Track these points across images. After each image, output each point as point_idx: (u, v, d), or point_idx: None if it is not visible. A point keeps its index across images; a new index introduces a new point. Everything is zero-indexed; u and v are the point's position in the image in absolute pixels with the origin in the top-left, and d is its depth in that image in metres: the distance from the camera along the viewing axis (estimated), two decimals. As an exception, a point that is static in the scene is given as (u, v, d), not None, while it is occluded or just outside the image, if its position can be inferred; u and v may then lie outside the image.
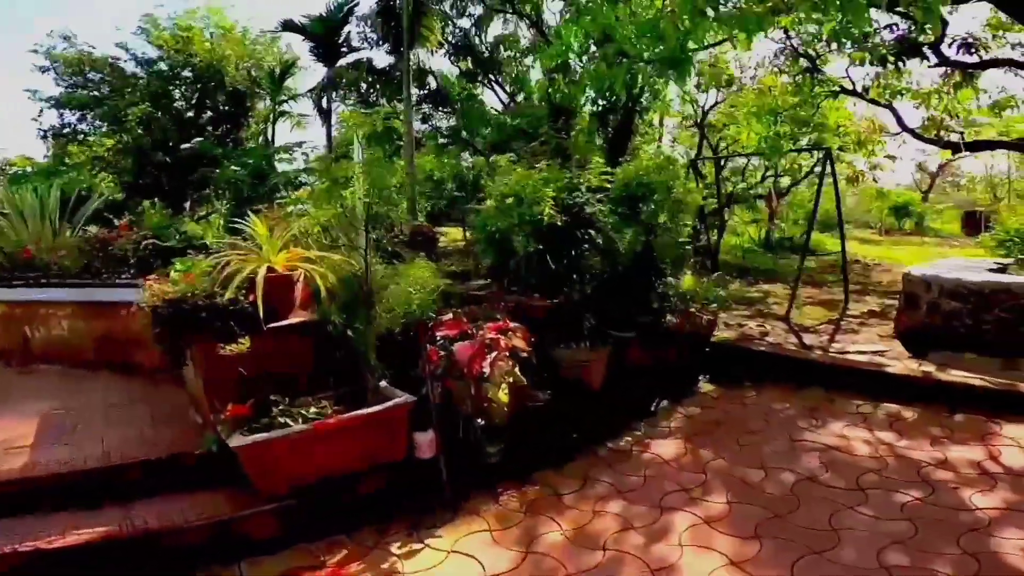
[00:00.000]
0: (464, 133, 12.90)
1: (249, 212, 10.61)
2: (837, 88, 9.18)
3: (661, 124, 14.90)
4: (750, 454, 4.41)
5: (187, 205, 19.10)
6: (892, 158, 12.30)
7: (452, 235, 13.78)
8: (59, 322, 5.29)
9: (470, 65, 15.20)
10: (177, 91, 17.15)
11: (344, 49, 14.61)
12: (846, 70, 9.39)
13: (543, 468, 4.27)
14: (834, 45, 8.09)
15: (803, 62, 9.07)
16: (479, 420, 4.03)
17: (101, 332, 5.20)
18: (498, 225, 4.93)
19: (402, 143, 14.49)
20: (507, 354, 4.06)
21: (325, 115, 13.47)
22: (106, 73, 16.84)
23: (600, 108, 12.58)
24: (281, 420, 3.48)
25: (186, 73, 17.03)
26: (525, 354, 4.22)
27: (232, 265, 3.80)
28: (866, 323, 7.76)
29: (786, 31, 8.85)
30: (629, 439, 4.76)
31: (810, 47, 9.07)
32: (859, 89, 9.29)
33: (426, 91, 14.92)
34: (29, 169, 17.06)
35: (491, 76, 15.56)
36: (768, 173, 13.52)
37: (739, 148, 11.60)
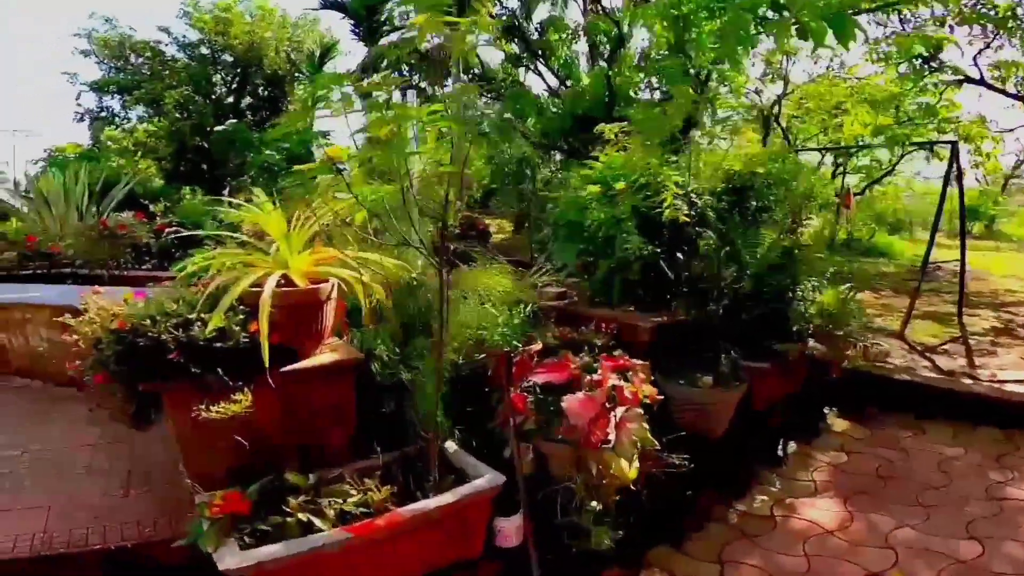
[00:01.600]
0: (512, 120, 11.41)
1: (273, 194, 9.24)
2: (960, 77, 7.46)
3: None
4: (946, 519, 3.07)
5: (225, 192, 17.98)
6: (989, 155, 10.51)
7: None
8: (38, 330, 3.98)
9: (515, 48, 13.62)
10: (217, 75, 15.87)
11: (386, 28, 13.21)
12: (973, 58, 7.67)
13: (658, 545, 2.96)
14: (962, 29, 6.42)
15: (918, 48, 7.35)
16: (593, 503, 2.61)
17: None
18: (598, 218, 3.46)
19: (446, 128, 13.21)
20: (638, 410, 2.63)
21: (366, 97, 12.12)
22: (147, 57, 15.64)
23: (661, 96, 10.97)
24: (303, 517, 2.08)
25: (226, 57, 15.75)
26: (652, 403, 2.78)
27: (223, 274, 2.39)
28: (997, 342, 6.26)
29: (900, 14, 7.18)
30: (764, 498, 3.42)
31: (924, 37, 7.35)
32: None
33: (470, 75, 13.41)
34: (73, 155, 16.05)
35: (539, 61, 13.97)
36: (839, 170, 11.79)
37: (834, 141, 9.98)
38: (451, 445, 2.70)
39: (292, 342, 2.37)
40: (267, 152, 11.42)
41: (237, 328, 2.25)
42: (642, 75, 10.79)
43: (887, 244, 12.04)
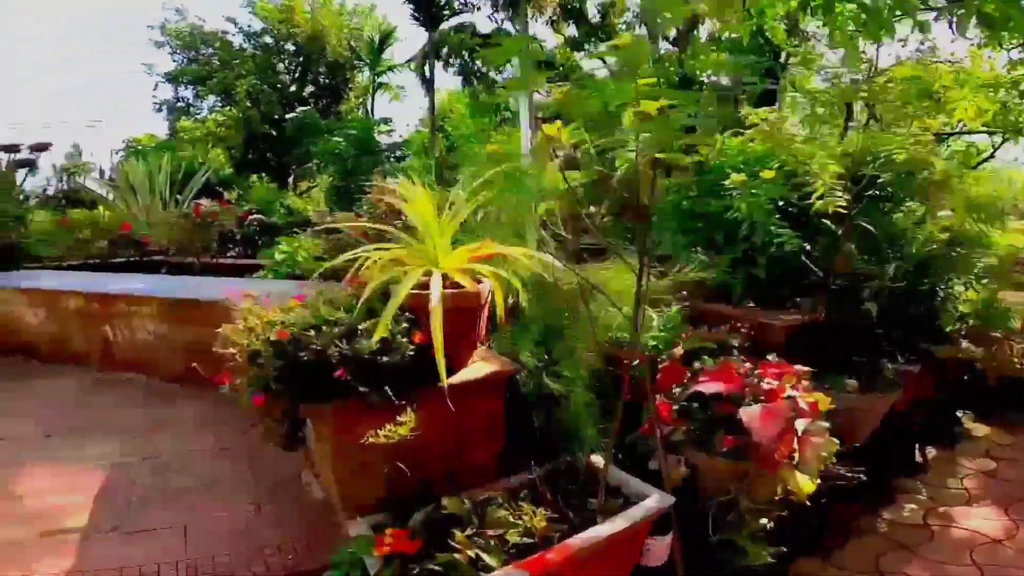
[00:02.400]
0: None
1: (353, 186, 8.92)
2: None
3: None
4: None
5: (290, 180, 18.00)
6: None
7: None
8: (143, 323, 3.80)
9: (575, 32, 13.02)
10: (281, 64, 15.77)
11: (446, 12, 12.79)
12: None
13: (804, 556, 2.62)
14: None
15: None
16: (763, 520, 2.24)
17: (191, 339, 3.66)
18: (740, 208, 3.00)
19: (508, 115, 12.66)
20: (822, 423, 2.24)
21: (428, 83, 11.73)
22: (216, 47, 15.64)
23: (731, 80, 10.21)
24: (471, 554, 1.77)
25: (289, 46, 15.61)
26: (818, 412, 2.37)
27: (382, 272, 2.03)
28: None
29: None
30: (913, 507, 3.05)
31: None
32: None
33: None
34: (152, 146, 16.29)
35: (597, 44, 13.34)
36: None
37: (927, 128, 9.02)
38: (599, 459, 2.36)
39: (449, 351, 2.04)
40: (334, 140, 11.21)
41: (402, 338, 1.91)
42: (715, 55, 10.07)
43: (978, 233, 11.01)
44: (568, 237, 3.07)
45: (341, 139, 11.73)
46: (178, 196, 11.08)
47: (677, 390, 2.58)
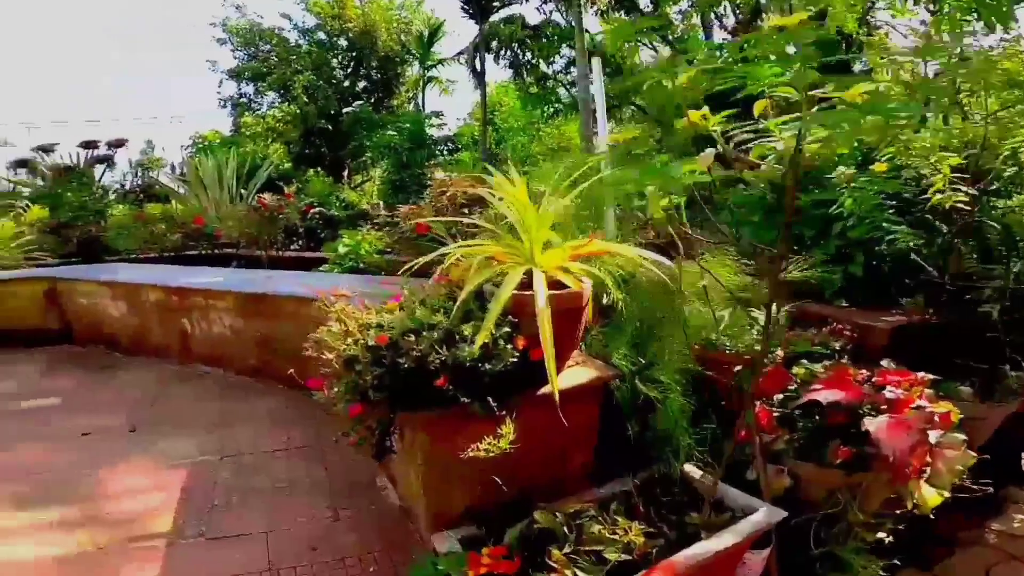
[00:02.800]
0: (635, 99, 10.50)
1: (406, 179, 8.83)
2: None
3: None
4: None
5: (345, 173, 18.19)
6: None
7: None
8: (219, 317, 3.78)
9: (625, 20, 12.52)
10: (335, 60, 15.85)
11: (496, 4, 12.51)
12: None
13: (906, 567, 2.32)
14: None
15: None
16: (879, 534, 2.00)
17: (263, 333, 3.62)
18: (849, 203, 2.67)
19: (560, 107, 12.37)
20: (957, 435, 1.97)
21: (479, 76, 11.53)
22: (273, 44, 15.84)
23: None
24: (569, 574, 1.60)
25: (341, 41, 15.66)
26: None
27: (478, 272, 1.85)
28: None
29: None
30: (1022, 517, 2.74)
31: None
32: None
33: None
34: (217, 142, 16.74)
35: (653, 35, 12.82)
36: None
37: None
38: (693, 470, 2.15)
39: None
40: (389, 133, 11.19)
41: (505, 344, 1.74)
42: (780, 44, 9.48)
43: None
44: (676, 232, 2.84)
45: (395, 133, 11.72)
46: (243, 190, 11.34)
47: (779, 396, 2.35)
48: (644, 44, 13.66)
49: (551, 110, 12.65)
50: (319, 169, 16.51)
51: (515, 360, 1.72)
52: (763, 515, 1.88)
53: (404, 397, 1.67)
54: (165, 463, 2.84)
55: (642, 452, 2.20)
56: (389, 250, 5.46)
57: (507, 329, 1.77)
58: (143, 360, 4.37)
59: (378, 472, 2.66)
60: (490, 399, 1.66)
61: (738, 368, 2.30)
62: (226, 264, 6.72)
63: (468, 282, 1.76)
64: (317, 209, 7.89)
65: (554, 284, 1.86)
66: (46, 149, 10.96)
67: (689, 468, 2.20)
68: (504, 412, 1.68)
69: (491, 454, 1.67)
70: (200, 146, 17.14)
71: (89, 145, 12.06)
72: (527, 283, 1.87)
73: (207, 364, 3.95)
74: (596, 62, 3.07)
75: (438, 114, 13.33)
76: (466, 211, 4.91)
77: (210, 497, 2.53)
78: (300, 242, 7.50)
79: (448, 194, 4.97)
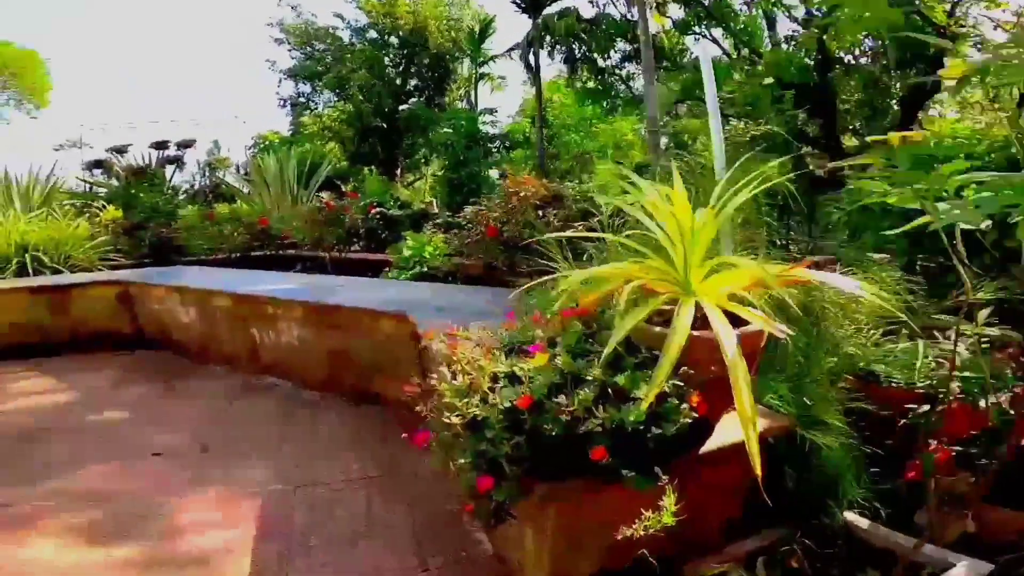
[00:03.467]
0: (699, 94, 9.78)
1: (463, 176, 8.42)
2: None
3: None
4: None
5: (398, 172, 18.04)
6: None
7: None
8: (288, 327, 3.49)
9: (684, 14, 11.77)
10: (387, 57, 15.63)
11: (549, -2, 11.98)
12: None
13: None
14: None
15: None
16: None
17: (334, 346, 3.30)
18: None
19: (620, 100, 11.78)
20: None
21: (534, 72, 11.04)
22: (328, 43, 15.75)
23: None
24: None
25: (393, 39, 15.42)
26: None
27: (634, 303, 1.39)
28: None
29: None
30: None
31: None
32: None
33: (636, 45, 11.83)
34: (276, 141, 16.84)
35: (710, 27, 12.03)
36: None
37: None
38: (857, 518, 1.69)
39: (710, 408, 1.41)
40: (444, 131, 10.86)
41: (678, 402, 1.31)
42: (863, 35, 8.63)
43: None
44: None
45: (450, 130, 11.39)
46: (303, 189, 11.24)
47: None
48: (705, 36, 12.86)
49: (608, 105, 12.05)
50: (372, 168, 16.41)
51: (690, 421, 1.29)
52: (964, 569, 1.42)
53: (545, 467, 1.26)
54: (238, 491, 2.55)
55: (795, 498, 1.75)
56: (455, 253, 5.09)
57: (678, 382, 1.33)
58: (212, 368, 4.16)
59: (465, 515, 2.28)
60: (656, 468, 1.24)
61: (911, 404, 1.81)
62: (291, 266, 6.52)
63: (620, 318, 1.33)
64: (378, 209, 7.61)
65: (737, 321, 1.42)
66: (120, 150, 11.13)
67: (852, 516, 1.74)
68: (667, 480, 1.25)
69: (650, 531, 1.25)
70: (262, 146, 17.30)
71: (160, 146, 12.22)
72: (676, 314, 1.42)
73: (275, 375, 3.68)
74: (703, 48, 2.59)
75: (492, 111, 12.95)
76: (540, 213, 4.49)
77: (287, 537, 2.21)
78: (361, 243, 7.23)
79: (521, 195, 4.55)
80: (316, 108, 16.53)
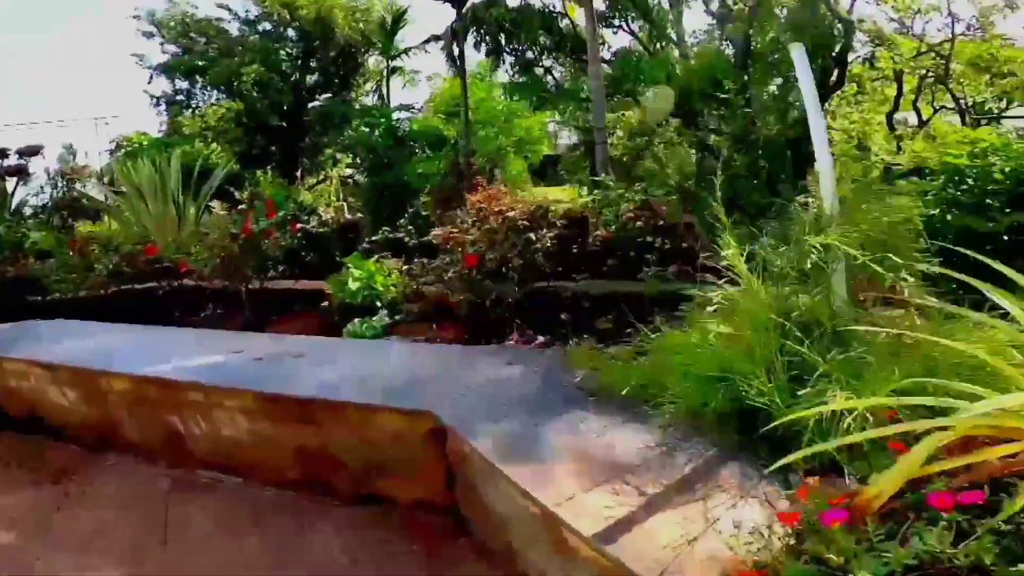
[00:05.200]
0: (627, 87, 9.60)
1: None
2: None
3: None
4: None
5: (298, 174, 16.53)
6: None
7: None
8: (230, 418, 2.60)
9: (604, 6, 11.64)
10: (283, 51, 14.13)
11: (478, -14, 11.27)
12: None
13: None
14: None
15: None
16: None
17: (308, 444, 2.48)
18: None
19: (547, 95, 11.34)
20: None
21: (458, 64, 10.29)
22: (211, 35, 13.97)
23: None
24: None
25: (290, 32, 13.98)
26: None
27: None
28: None
29: None
30: None
31: None
32: None
33: (557, 38, 11.47)
34: (146, 144, 14.68)
35: (630, 20, 12.02)
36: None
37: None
38: None
39: None
40: (363, 129, 9.83)
41: None
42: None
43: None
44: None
45: (368, 129, 10.39)
46: (192, 199, 9.72)
47: None
48: (623, 28, 12.85)
49: (536, 100, 11.60)
50: (268, 170, 14.82)
51: None
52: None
53: None
54: None
55: None
56: (418, 288, 4.31)
57: None
58: (117, 460, 3.09)
59: None
60: None
61: None
62: (194, 305, 5.39)
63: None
64: (300, 226, 6.59)
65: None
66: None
67: None
68: None
69: None
70: (127, 150, 15.03)
71: (-4, 155, 10.08)
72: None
73: (217, 470, 2.76)
74: (799, 53, 2.14)
75: (409, 107, 12.03)
76: (532, 236, 3.87)
77: None
78: (280, 267, 6.16)
79: (500, 213, 3.90)
80: (197, 106, 14.61)
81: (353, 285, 4.56)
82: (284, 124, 13.21)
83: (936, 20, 9.49)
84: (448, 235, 3.99)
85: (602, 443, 1.77)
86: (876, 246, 1.84)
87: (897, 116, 11.72)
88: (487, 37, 10.41)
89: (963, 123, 8.73)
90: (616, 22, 12.60)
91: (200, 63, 13.50)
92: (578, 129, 16.72)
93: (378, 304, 4.51)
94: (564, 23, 11.72)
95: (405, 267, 4.43)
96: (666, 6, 12.15)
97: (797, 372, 1.66)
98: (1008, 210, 2.92)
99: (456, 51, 10.22)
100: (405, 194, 8.76)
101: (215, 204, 12.76)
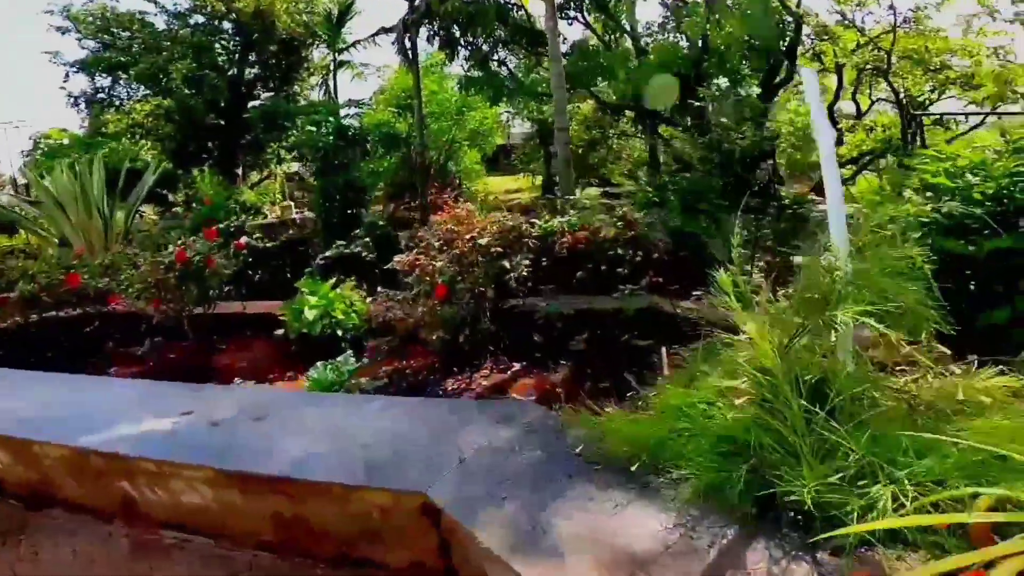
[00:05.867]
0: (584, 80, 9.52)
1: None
2: None
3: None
4: None
5: (239, 171, 15.75)
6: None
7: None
8: (190, 487, 2.34)
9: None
10: (218, 45, 13.35)
11: (430, -22, 10.91)
12: None
13: None
14: None
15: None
16: None
17: (283, 512, 2.25)
18: None
19: (503, 90, 11.11)
20: None
21: (411, 58, 9.91)
22: (134, 30, 13.05)
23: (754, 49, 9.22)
24: None
25: (226, 24, 13.21)
26: None
27: None
28: None
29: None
30: None
31: None
32: None
33: (512, 30, 11.30)
34: (65, 142, 13.58)
35: (582, 10, 11.96)
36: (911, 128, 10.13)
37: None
38: None
39: None
40: (308, 127, 9.32)
41: None
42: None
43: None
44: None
45: (314, 128, 9.90)
46: (121, 202, 9.07)
47: None
48: (578, 19, 12.79)
49: (492, 95, 11.40)
50: (204, 169, 14.01)
51: None
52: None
53: None
54: None
55: None
56: (386, 321, 4.06)
57: None
58: (62, 518, 2.75)
59: None
60: None
61: None
62: (132, 335, 4.97)
63: None
64: (245, 240, 6.18)
65: None
66: None
67: None
68: None
69: None
70: (44, 149, 13.90)
71: None
72: None
73: (179, 531, 2.48)
74: (809, 75, 2.07)
75: (358, 103, 11.56)
76: (507, 264, 3.70)
77: None
78: (229, 288, 5.76)
79: (470, 239, 3.71)
80: (121, 104, 13.62)
81: (310, 314, 4.28)
82: (222, 122, 12.50)
83: (876, 12, 9.83)
84: (414, 262, 3.78)
85: (615, 526, 1.65)
86: (885, 299, 1.79)
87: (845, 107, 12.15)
88: (441, 31, 10.11)
89: (901, 115, 9.11)
90: (572, 13, 12.54)
91: (123, 59, 12.59)
92: (533, 121, 16.63)
93: (339, 333, 4.26)
94: (520, 14, 11.56)
95: (369, 299, 4.17)
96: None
97: (821, 447, 1.58)
98: (987, 232, 2.94)
99: (408, 45, 9.87)
100: (359, 197, 8.38)
101: (146, 209, 11.97)
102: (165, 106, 13.09)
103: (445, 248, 3.77)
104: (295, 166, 12.13)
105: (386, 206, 13.12)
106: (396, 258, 3.85)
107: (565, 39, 12.83)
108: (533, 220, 4.53)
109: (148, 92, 13.23)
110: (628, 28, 12.26)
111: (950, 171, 3.24)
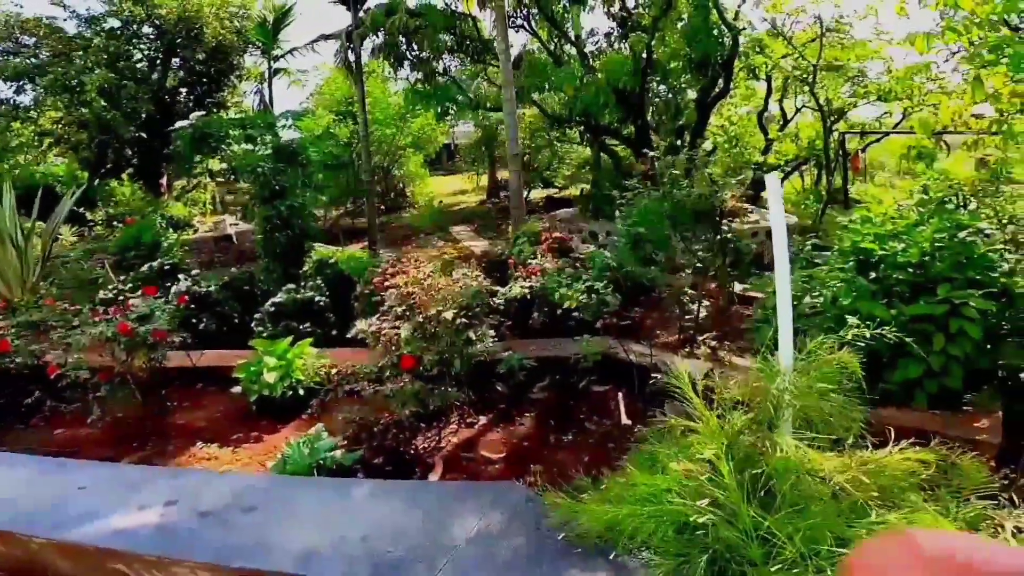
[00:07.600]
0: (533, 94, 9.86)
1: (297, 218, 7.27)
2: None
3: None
4: None
5: (163, 182, 15.23)
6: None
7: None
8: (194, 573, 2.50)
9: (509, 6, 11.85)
10: (138, 52, 12.88)
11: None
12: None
13: None
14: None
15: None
16: None
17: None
18: None
19: (456, 103, 11.22)
20: None
21: (354, 70, 9.90)
22: (41, 36, 12.42)
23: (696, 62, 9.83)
24: None
25: (146, 29, 12.76)
26: None
27: None
28: None
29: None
30: None
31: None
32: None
33: (459, 39, 11.51)
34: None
35: (529, 19, 12.34)
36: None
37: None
38: None
39: None
40: (243, 146, 9.15)
41: None
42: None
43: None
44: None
45: (250, 145, 9.76)
46: (36, 222, 8.69)
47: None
48: (524, 28, 13.13)
49: (441, 110, 11.57)
50: (122, 179, 13.48)
51: None
52: None
53: None
54: None
55: None
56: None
57: None
58: None
59: None
60: None
61: None
62: (75, 396, 4.88)
63: None
64: (193, 289, 6.13)
65: None
66: None
67: None
68: None
69: None
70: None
71: None
72: None
73: None
74: (772, 181, 2.45)
75: (299, 115, 11.42)
76: (471, 336, 3.95)
77: None
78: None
79: (442, 314, 3.89)
80: (28, 112, 12.92)
81: (270, 376, 4.38)
82: (143, 135, 12.10)
83: (803, 21, 10.57)
84: (378, 331, 3.96)
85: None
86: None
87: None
88: (387, 46, 10.19)
89: (824, 123, 9.94)
90: (518, 22, 12.87)
91: (29, 63, 11.98)
92: (478, 126, 16.95)
93: (301, 393, 4.41)
94: (466, 24, 11.78)
95: (335, 372, 4.31)
96: (567, 5, 12.63)
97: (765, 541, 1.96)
98: (908, 295, 3.40)
99: (352, 57, 9.89)
100: (305, 224, 8.36)
101: (65, 229, 11.58)
102: (76, 114, 12.53)
103: (407, 314, 3.97)
104: (224, 165, 11.72)
105: (328, 212, 13.06)
106: (358, 325, 4.05)
107: (512, 45, 13.17)
108: (496, 288, 4.81)
109: (62, 100, 12.63)
110: (572, 37, 12.74)
111: (880, 235, 3.71)
